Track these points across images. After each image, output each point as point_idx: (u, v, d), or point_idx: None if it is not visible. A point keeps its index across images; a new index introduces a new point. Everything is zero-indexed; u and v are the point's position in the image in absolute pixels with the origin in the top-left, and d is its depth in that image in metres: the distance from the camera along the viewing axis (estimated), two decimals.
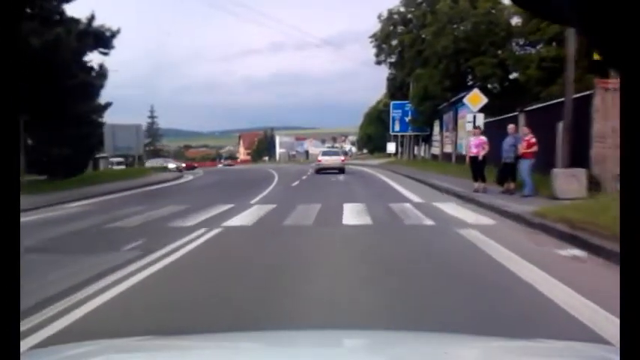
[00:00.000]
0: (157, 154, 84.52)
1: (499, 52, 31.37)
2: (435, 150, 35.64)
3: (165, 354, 1.49)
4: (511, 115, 18.15)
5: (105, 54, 21.96)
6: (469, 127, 19.12)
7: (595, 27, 0.68)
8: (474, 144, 13.67)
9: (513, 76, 31.94)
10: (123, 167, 53.53)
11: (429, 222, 9.03)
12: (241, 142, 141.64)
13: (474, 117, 18.95)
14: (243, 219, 9.68)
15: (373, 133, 72.59)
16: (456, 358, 1.41)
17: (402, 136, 46.06)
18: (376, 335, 1.96)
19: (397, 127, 42.03)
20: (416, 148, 43.66)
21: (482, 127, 19.32)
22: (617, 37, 0.66)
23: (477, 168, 13.31)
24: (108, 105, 37.30)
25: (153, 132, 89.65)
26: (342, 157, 29.56)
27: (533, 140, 12.12)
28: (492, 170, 13.59)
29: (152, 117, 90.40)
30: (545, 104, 16.81)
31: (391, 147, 50.65)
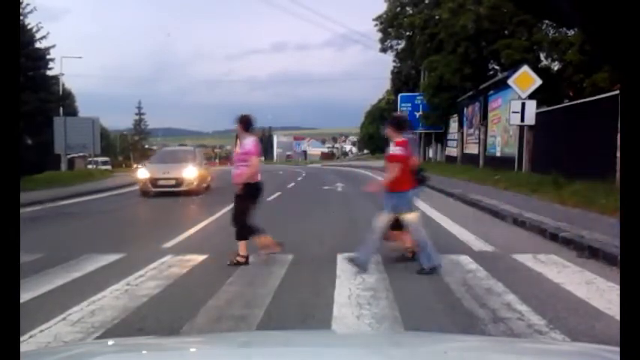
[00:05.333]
0: (144, 153, 79.34)
1: (527, 34, 26.30)
2: (451, 150, 29.92)
3: (165, 354, 1.44)
4: (587, 99, 12.75)
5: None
6: (515, 118, 13.81)
7: (595, 27, 0.72)
8: None
9: (544, 63, 26.99)
10: (109, 167, 48.47)
11: None
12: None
13: (523, 105, 13.62)
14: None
15: (375, 133, 68.67)
16: (455, 358, 1.38)
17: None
18: (376, 335, 2.02)
19: None
20: (426, 148, 37.87)
21: (533, 118, 14.02)
22: (618, 38, 0.68)
23: None
24: (67, 96, 32.29)
25: (140, 130, 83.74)
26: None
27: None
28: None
29: (140, 114, 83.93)
30: None
31: None
